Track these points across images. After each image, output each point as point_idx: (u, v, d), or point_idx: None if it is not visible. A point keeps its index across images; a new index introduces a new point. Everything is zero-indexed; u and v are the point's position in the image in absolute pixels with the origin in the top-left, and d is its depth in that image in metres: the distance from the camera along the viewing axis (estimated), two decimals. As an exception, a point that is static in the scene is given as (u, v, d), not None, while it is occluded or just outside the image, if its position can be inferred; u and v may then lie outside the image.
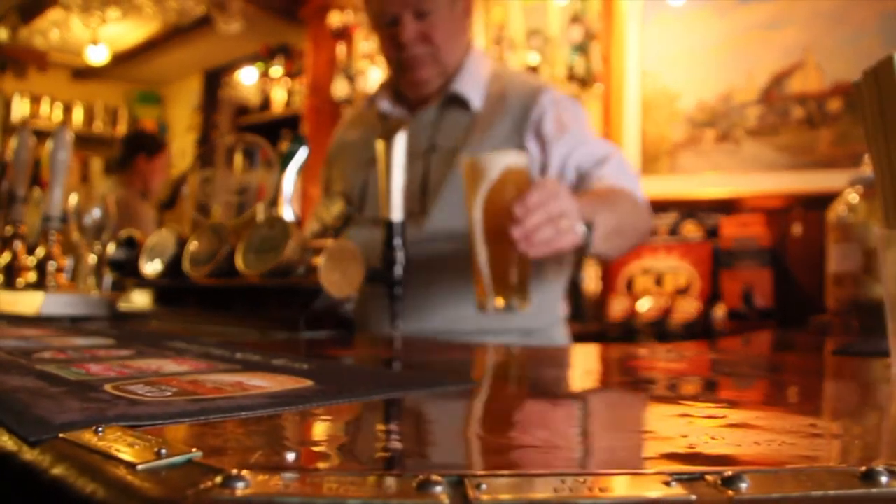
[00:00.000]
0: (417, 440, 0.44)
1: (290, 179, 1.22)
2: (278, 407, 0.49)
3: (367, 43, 4.58)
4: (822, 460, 0.40)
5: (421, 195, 1.49)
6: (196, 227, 1.36)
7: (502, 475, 0.33)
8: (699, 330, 3.05)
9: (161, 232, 1.40)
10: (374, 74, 4.48)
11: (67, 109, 6.74)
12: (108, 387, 0.54)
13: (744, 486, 0.32)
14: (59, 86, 6.70)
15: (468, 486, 0.31)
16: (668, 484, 0.33)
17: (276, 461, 0.37)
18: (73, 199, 1.61)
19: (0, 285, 1.60)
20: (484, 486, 0.31)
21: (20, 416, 0.43)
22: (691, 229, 3.31)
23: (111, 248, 1.50)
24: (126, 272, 1.46)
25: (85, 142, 6.48)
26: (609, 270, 3.45)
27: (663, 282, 3.28)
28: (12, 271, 1.59)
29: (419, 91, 1.61)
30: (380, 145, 1.20)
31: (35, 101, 6.55)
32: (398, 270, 1.17)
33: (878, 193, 0.54)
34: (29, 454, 0.38)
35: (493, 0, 3.96)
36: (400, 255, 1.18)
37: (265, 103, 5.71)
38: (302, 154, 1.23)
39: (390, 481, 0.33)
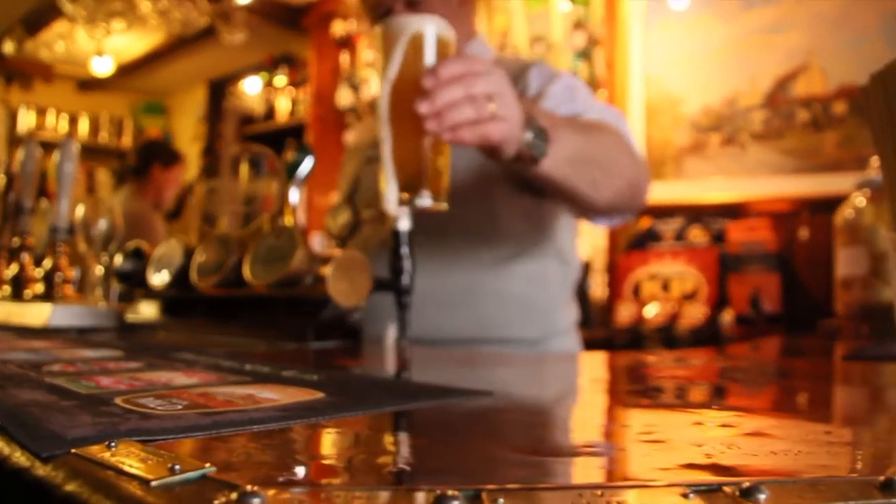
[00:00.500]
0: (432, 453, 0.44)
1: (295, 189, 1.22)
2: (290, 420, 0.48)
3: (370, 51, 4.59)
4: (840, 469, 0.40)
5: None
6: (203, 237, 1.37)
7: (520, 489, 0.33)
8: (707, 335, 3.04)
9: (168, 243, 1.40)
10: (377, 83, 4.48)
11: (73, 121, 6.77)
12: (118, 400, 0.54)
13: (762, 497, 0.32)
14: (65, 97, 6.73)
15: (485, 500, 0.31)
16: (685, 496, 0.32)
17: (291, 476, 0.37)
18: (80, 210, 1.62)
19: (8, 297, 1.61)
20: (501, 501, 0.31)
21: (32, 430, 0.43)
22: (697, 234, 3.30)
23: (119, 259, 1.50)
24: (133, 283, 1.46)
25: (91, 153, 6.49)
26: (616, 276, 3.44)
27: (670, 287, 3.27)
28: (20, 283, 1.59)
29: None
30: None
31: (41, 112, 6.58)
32: (406, 279, 1.16)
33: (885, 196, 0.53)
34: (41, 470, 0.37)
35: (496, 7, 3.97)
36: (407, 264, 1.17)
37: (269, 113, 5.73)
38: (307, 163, 1.23)
39: (406, 496, 0.32)
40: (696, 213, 3.33)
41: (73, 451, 0.39)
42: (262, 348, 1.08)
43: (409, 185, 0.99)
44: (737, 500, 0.32)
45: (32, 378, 0.66)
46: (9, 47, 5.59)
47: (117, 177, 6.33)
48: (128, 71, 6.18)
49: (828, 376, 0.92)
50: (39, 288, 1.55)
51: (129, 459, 0.37)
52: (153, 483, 0.33)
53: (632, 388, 0.79)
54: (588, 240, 3.40)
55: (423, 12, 1.40)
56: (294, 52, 5.46)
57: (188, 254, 1.32)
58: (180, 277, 1.31)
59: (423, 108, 0.90)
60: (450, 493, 0.31)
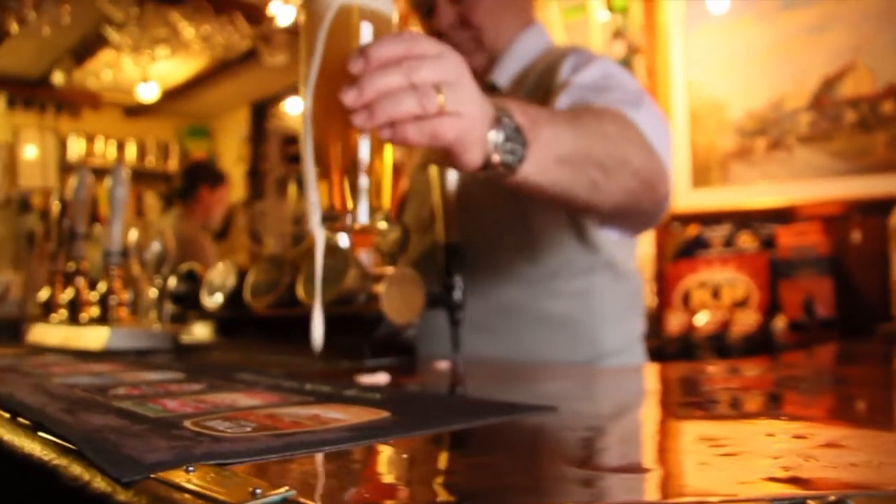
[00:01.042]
0: (504, 471, 0.44)
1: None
2: (361, 440, 0.48)
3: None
4: (926, 481, 0.39)
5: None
6: (254, 258, 1.38)
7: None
8: (760, 343, 2.99)
9: (221, 264, 1.42)
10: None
11: (121, 146, 6.91)
12: (187, 423, 0.54)
13: (852, 511, 0.31)
14: (112, 124, 6.88)
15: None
16: (771, 511, 0.32)
17: (369, 497, 0.37)
18: (133, 234, 1.64)
19: (64, 320, 1.64)
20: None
21: (110, 455, 0.44)
22: (746, 240, 3.25)
23: (172, 282, 1.52)
24: (187, 305, 1.48)
25: (139, 177, 6.62)
26: (665, 285, 3.41)
27: (720, 295, 3.23)
28: (76, 307, 1.62)
29: None
30: (433, 171, 1.17)
31: (90, 139, 6.74)
32: (458, 295, 1.16)
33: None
34: (123, 495, 0.38)
35: (534, 19, 3.96)
36: (459, 280, 1.18)
37: (312, 132, 5.77)
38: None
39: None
40: (744, 219, 3.29)
41: (152, 476, 0.39)
42: (318, 367, 1.08)
43: (339, 199, 0.79)
44: (825, 515, 0.31)
45: (100, 402, 0.67)
46: (58, 78, 5.74)
47: (165, 200, 6.44)
48: (172, 96, 6.30)
49: (890, 384, 0.90)
50: (95, 311, 1.57)
51: (209, 484, 0.37)
52: (237, 507, 0.33)
53: (693, 400, 0.78)
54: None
55: (468, 4, 1.36)
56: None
57: (241, 275, 1.34)
58: (233, 298, 1.32)
59: (349, 97, 0.70)
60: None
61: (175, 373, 0.94)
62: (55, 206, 1.79)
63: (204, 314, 1.43)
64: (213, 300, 1.36)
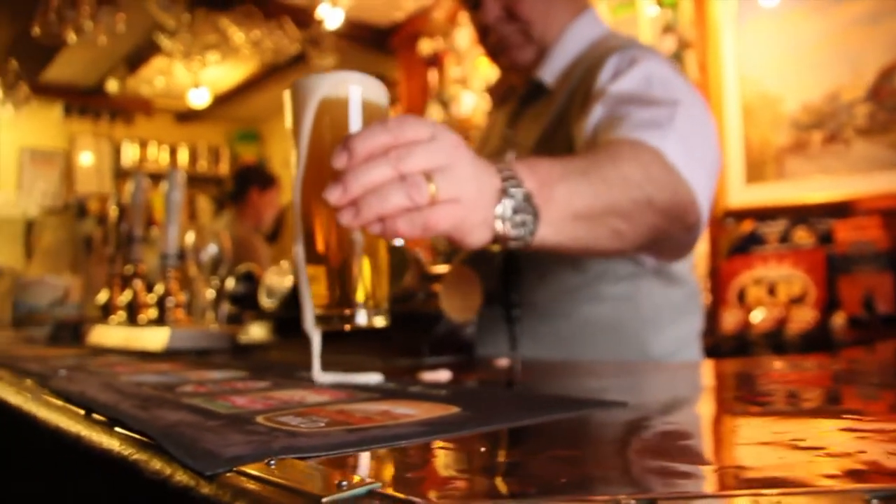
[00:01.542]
0: (588, 463, 0.43)
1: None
2: (435, 434, 0.48)
3: (458, 68, 4.62)
4: None
5: None
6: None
7: (695, 496, 0.32)
8: (818, 340, 2.93)
9: (278, 265, 1.43)
10: (467, 99, 4.51)
11: (173, 151, 7.06)
12: (260, 419, 0.55)
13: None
14: (165, 129, 7.03)
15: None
16: (868, 502, 0.31)
17: (452, 490, 0.36)
18: (190, 237, 1.67)
19: (123, 322, 1.67)
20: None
21: (189, 449, 0.44)
22: (803, 236, 3.19)
23: (230, 283, 1.54)
24: (246, 305, 1.50)
25: (191, 181, 6.69)
26: (719, 282, 3.36)
27: (776, 291, 3.17)
28: (134, 308, 1.65)
29: (521, 78, 1.42)
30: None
31: (143, 145, 6.90)
32: (515, 293, 1.16)
33: None
34: (206, 488, 0.38)
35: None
36: (515, 278, 1.17)
37: (362, 133, 5.81)
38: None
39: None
40: (800, 214, 3.22)
41: (236, 469, 0.39)
42: (378, 365, 1.08)
43: (335, 297, 0.76)
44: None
45: (170, 399, 0.68)
46: (112, 86, 5.87)
47: (217, 203, 6.53)
48: (222, 101, 6.40)
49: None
50: (153, 313, 1.60)
51: (294, 477, 0.37)
52: (324, 500, 0.33)
53: (767, 396, 0.76)
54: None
55: None
56: (383, 72, 5.54)
57: (298, 275, 1.34)
58: (291, 298, 1.33)
59: (333, 196, 0.65)
60: (622, 499, 0.30)
61: (238, 371, 0.95)
62: (113, 211, 1.83)
63: (261, 314, 1.44)
64: (271, 300, 1.37)
